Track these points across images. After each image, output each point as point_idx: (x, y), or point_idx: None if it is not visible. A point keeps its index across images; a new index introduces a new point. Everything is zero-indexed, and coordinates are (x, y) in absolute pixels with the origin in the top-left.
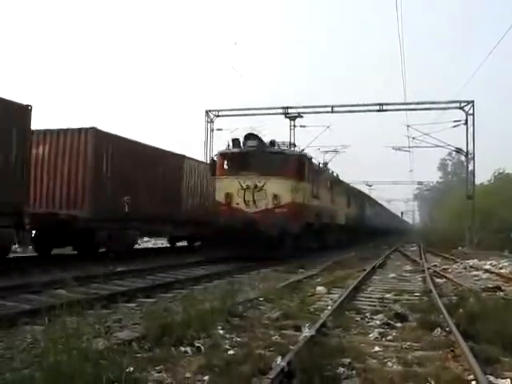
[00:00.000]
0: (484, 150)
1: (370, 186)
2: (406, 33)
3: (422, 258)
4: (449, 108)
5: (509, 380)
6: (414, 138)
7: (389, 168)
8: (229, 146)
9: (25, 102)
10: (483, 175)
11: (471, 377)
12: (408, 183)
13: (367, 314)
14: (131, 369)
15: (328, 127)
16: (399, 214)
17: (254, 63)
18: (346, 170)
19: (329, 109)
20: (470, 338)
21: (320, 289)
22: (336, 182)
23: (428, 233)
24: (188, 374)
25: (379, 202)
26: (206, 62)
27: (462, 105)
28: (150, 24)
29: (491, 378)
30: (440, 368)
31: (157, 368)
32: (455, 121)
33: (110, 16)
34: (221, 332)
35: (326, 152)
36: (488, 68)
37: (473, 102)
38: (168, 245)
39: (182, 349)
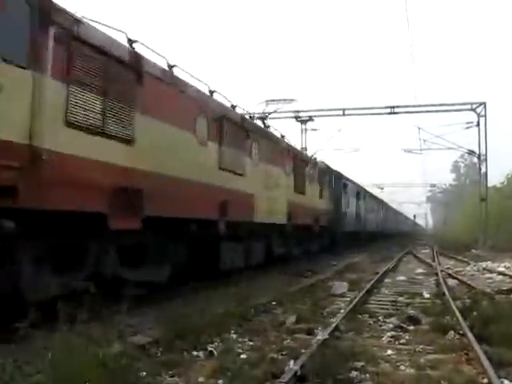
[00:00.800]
0: (497, 152)
1: (382, 188)
2: (417, 34)
3: (434, 261)
4: (460, 110)
5: None
6: (425, 141)
7: (401, 170)
8: None
9: None
10: (496, 177)
11: (485, 380)
12: (421, 186)
13: (380, 318)
14: (144, 373)
15: (339, 130)
16: (411, 217)
17: (264, 67)
18: (358, 173)
19: (340, 112)
20: (483, 341)
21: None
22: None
23: (441, 235)
24: (201, 379)
25: (391, 205)
26: (218, 63)
27: (474, 106)
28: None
29: (506, 382)
30: (453, 371)
31: (170, 372)
32: (467, 122)
33: None
34: (234, 336)
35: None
36: (500, 69)
37: (484, 103)
38: None
39: (195, 353)
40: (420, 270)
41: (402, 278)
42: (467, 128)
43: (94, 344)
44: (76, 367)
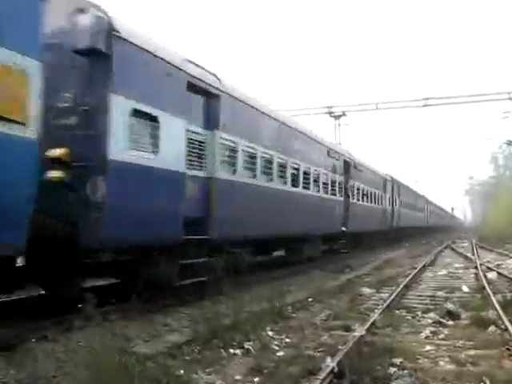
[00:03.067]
0: None
1: (417, 181)
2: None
3: (474, 254)
4: (497, 99)
5: None
6: (462, 132)
7: (438, 163)
8: None
9: None
10: None
11: None
12: (459, 178)
13: (418, 313)
14: (181, 371)
15: (373, 126)
16: (449, 210)
17: (295, 63)
18: (396, 167)
19: (373, 106)
20: None
21: (368, 289)
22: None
23: (480, 228)
24: (238, 376)
25: (429, 199)
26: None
27: (511, 95)
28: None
29: None
30: (495, 367)
31: (207, 370)
32: (504, 112)
33: None
34: (270, 333)
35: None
36: None
37: None
38: None
39: (232, 351)
40: (459, 264)
41: (440, 272)
42: (505, 118)
43: (131, 343)
44: (115, 366)
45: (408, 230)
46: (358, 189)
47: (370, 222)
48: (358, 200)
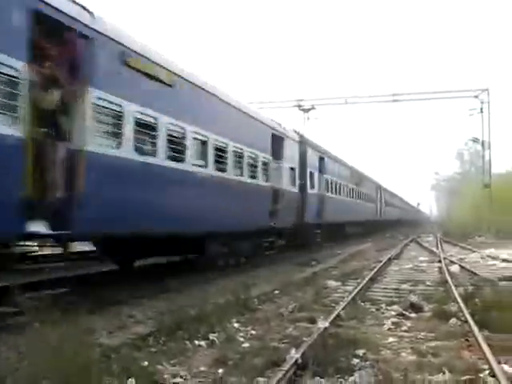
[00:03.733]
0: (501, 139)
1: (385, 176)
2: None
3: (438, 248)
4: (463, 96)
5: None
6: (429, 128)
7: (405, 158)
8: None
9: None
10: (501, 164)
11: (486, 366)
12: (425, 173)
13: (382, 305)
14: (146, 363)
15: (341, 119)
16: (415, 205)
17: (265, 56)
18: (362, 162)
19: (342, 100)
20: (485, 328)
21: (334, 281)
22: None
23: (445, 223)
24: (202, 368)
25: (395, 193)
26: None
27: (477, 93)
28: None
29: (505, 367)
30: (454, 358)
31: (171, 362)
32: (470, 109)
33: None
34: (235, 325)
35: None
36: (505, 54)
37: (487, 90)
38: None
39: (197, 342)
40: (423, 258)
41: (405, 265)
42: (471, 115)
43: (95, 335)
44: (77, 358)
45: (336, 227)
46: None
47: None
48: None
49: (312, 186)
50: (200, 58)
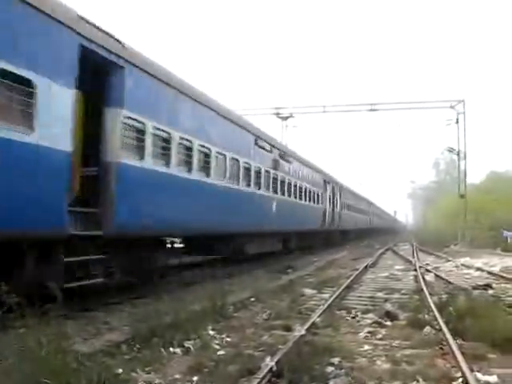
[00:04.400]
0: (476, 149)
1: (362, 184)
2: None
3: (414, 257)
4: (440, 107)
5: (495, 376)
6: (405, 138)
7: (382, 168)
8: None
9: None
10: (476, 174)
11: (459, 374)
12: (402, 182)
13: (358, 313)
14: (120, 370)
15: (319, 127)
16: (392, 213)
17: (244, 62)
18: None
19: (321, 109)
20: (459, 336)
21: (310, 289)
22: None
23: (421, 232)
24: (177, 375)
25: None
26: (195, 60)
27: (453, 104)
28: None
29: (478, 375)
30: (428, 366)
31: (146, 369)
32: (447, 120)
33: None
34: (211, 333)
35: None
36: (480, 66)
37: (463, 101)
38: None
39: (172, 350)
40: (399, 267)
41: (380, 274)
42: (447, 125)
43: (69, 342)
44: (51, 365)
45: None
46: None
47: None
48: None
49: None
50: (178, 64)
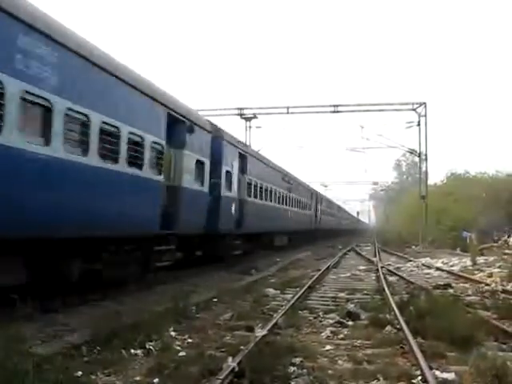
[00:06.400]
0: (437, 151)
1: (326, 186)
2: (361, 34)
3: (376, 257)
4: (402, 109)
5: (453, 374)
6: (368, 139)
7: (344, 169)
8: None
9: None
10: (437, 175)
11: (418, 372)
12: (363, 183)
13: (320, 314)
14: (79, 373)
15: (284, 128)
16: (355, 214)
17: (207, 62)
18: (303, 171)
19: (284, 110)
20: (419, 335)
21: (273, 290)
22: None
23: (383, 232)
24: (137, 377)
25: (335, 202)
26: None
27: (415, 106)
28: None
29: (437, 373)
30: (389, 364)
31: (106, 371)
32: (408, 122)
33: None
34: (172, 334)
35: None
36: (441, 69)
37: (425, 103)
38: None
39: (133, 351)
40: (362, 267)
41: (343, 274)
42: (408, 127)
43: (27, 344)
44: (7, 367)
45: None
46: None
47: None
48: None
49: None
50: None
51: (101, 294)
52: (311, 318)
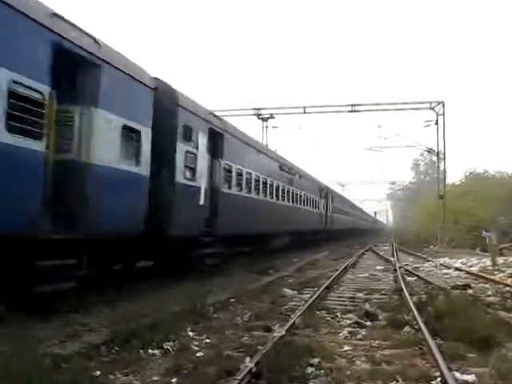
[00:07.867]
0: (455, 150)
1: (343, 186)
2: (379, 33)
3: (394, 257)
4: (420, 108)
5: (473, 375)
6: (385, 139)
7: (362, 168)
8: None
9: None
10: (455, 174)
11: (437, 373)
12: (381, 183)
13: (338, 314)
14: (98, 373)
15: (300, 128)
16: (372, 214)
17: (225, 63)
18: (320, 170)
19: (301, 110)
20: (438, 336)
21: (290, 290)
22: None
23: (401, 232)
24: (155, 377)
25: (353, 202)
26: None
27: (433, 105)
28: None
29: (457, 374)
30: (407, 365)
31: (124, 371)
32: (426, 121)
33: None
34: (190, 334)
35: None
36: (460, 68)
37: (443, 102)
38: None
39: (151, 351)
40: (379, 267)
41: (361, 274)
42: (426, 126)
43: (45, 344)
44: (28, 368)
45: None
46: None
47: None
48: None
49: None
50: (160, 64)
51: (119, 294)
52: (329, 319)
